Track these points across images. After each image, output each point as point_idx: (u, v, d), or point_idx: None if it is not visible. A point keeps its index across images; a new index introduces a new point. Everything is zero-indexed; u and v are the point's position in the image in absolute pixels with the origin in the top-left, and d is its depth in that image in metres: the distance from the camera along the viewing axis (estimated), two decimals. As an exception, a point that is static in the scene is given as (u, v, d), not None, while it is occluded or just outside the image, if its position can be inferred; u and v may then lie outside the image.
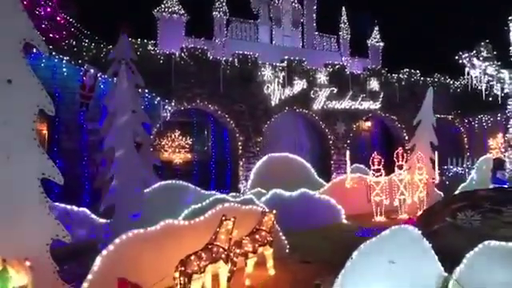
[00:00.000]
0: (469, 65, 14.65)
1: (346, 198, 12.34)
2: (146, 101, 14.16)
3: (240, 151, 17.97)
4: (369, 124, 23.49)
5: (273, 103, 18.40)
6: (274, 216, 7.48)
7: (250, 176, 13.87)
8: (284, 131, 19.59)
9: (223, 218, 6.25)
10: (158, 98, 15.16)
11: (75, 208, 9.74)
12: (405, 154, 13.53)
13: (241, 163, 17.97)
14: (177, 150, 18.47)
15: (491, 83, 14.67)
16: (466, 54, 14.67)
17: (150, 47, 16.33)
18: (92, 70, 12.54)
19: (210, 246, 6.01)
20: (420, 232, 5.44)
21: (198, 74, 16.93)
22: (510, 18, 14.28)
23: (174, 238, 6.49)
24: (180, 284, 5.39)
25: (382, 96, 21.01)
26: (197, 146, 19.05)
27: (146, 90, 14.24)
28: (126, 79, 9.33)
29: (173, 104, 16.17)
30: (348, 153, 13.62)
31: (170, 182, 10.82)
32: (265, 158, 13.92)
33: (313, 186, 12.82)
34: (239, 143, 17.94)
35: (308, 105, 19.32)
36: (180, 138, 18.61)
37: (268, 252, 7.21)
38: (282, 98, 18.53)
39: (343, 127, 20.16)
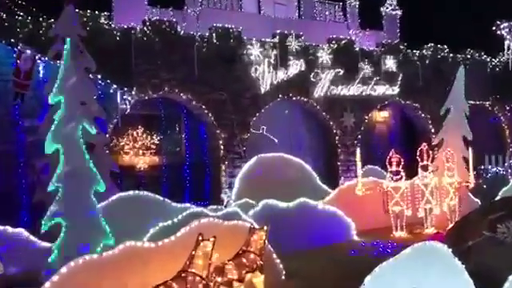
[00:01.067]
0: (509, 37, 14.82)
1: (357, 208, 12.43)
2: (100, 89, 14.10)
3: (222, 152, 18.01)
4: (385, 114, 23.65)
5: (262, 90, 18.46)
6: (265, 234, 7.48)
7: (234, 183, 13.87)
8: (277, 125, 19.63)
9: (200, 238, 6.24)
10: (115, 86, 15.08)
11: (10, 229, 9.65)
12: (431, 152, 13.63)
13: (223, 167, 18.00)
14: (140, 152, 18.43)
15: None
16: (506, 24, 14.84)
17: (102, 20, 16.24)
18: (28, 52, 12.47)
19: (183, 274, 6.00)
20: (450, 250, 5.49)
21: (166, 54, 16.91)
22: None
23: (138, 264, 6.48)
24: (146, 323, 5.38)
25: (400, 78, 21.15)
26: (166, 147, 19.06)
27: (99, 76, 14.17)
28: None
29: (134, 93, 16.12)
30: (358, 151, 13.68)
31: (131, 192, 10.83)
32: (253, 159, 14.01)
33: (315, 194, 12.91)
34: (220, 142, 17.98)
35: (307, 91, 19.41)
36: (144, 136, 18.57)
37: (258, 280, 7.21)
38: (274, 82, 18.60)
39: (352, 119, 20.31)
